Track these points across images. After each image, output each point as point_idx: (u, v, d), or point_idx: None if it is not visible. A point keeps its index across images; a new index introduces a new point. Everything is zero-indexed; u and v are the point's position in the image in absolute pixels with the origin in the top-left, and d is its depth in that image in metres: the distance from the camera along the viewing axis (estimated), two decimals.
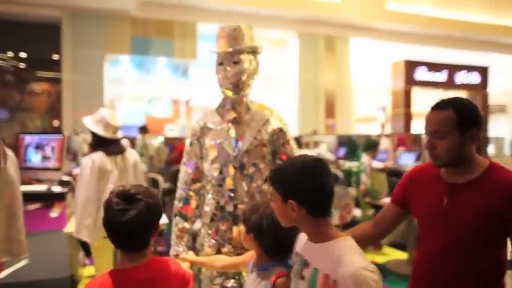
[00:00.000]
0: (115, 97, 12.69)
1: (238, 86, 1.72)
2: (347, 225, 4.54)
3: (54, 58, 9.52)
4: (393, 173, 4.54)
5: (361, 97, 13.01)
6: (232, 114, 1.78)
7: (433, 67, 10.65)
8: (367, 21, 10.80)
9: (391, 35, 11.34)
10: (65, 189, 3.06)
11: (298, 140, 7.13)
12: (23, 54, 9.91)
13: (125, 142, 6.69)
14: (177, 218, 1.83)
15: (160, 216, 1.19)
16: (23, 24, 9.02)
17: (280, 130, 1.79)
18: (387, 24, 10.94)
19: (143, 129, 7.08)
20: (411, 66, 10.39)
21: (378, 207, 4.29)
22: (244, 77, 1.72)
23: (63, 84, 9.25)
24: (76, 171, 3.77)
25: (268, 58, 11.34)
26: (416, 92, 10.73)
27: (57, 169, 2.96)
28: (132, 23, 9.32)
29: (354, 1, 10.37)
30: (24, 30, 9.07)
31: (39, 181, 3.20)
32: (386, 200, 3.71)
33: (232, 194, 1.72)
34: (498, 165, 1.32)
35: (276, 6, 9.80)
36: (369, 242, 1.56)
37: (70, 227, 2.79)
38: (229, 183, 1.72)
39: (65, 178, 3.26)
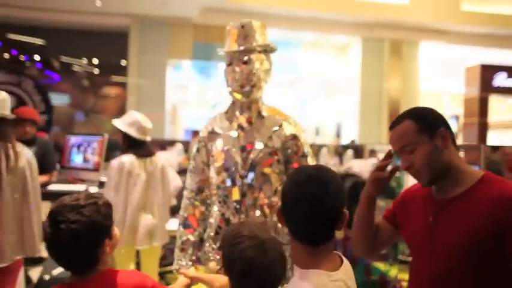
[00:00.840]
0: (179, 102, 13.14)
1: (247, 88, 1.58)
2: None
3: (122, 64, 10.05)
4: None
5: (430, 105, 12.16)
6: (241, 119, 1.64)
7: None
8: (439, 23, 10.07)
9: (466, 38, 10.47)
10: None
11: (357, 149, 6.76)
12: (95, 61, 10.60)
13: (180, 147, 6.83)
14: (181, 229, 1.71)
15: (106, 230, 1.07)
16: (95, 32, 9.65)
17: (294, 137, 1.62)
18: (462, 26, 10.11)
19: (196, 134, 7.17)
20: (488, 71, 9.46)
21: None
22: (254, 79, 1.58)
23: (128, 89, 9.74)
24: None
25: (330, 64, 11.16)
26: (494, 101, 9.76)
27: (96, 170, 3.02)
28: (194, 29, 9.56)
29: (425, 2, 9.73)
30: (96, 38, 9.70)
31: (82, 181, 3.29)
32: None
33: (238, 206, 1.57)
34: (494, 177, 1.09)
35: (338, 10, 9.50)
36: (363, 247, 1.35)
37: None
38: (235, 193, 1.57)
39: (104, 179, 3.33)
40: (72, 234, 0.99)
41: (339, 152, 7.65)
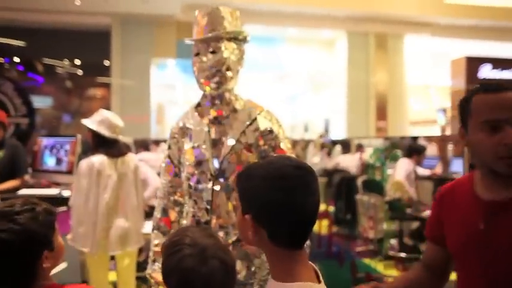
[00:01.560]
0: (166, 101, 13.00)
1: (217, 79, 1.45)
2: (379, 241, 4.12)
3: (106, 64, 9.88)
4: (442, 182, 4.01)
5: (417, 98, 12.20)
6: (212, 113, 1.51)
7: (500, 64, 9.62)
8: (423, 16, 10.07)
9: (451, 30, 10.49)
10: None
11: (346, 144, 6.68)
12: (77, 62, 10.41)
13: (165, 147, 6.74)
14: (155, 232, 1.58)
15: (45, 240, 0.97)
16: (76, 32, 9.46)
17: (270, 132, 1.48)
18: (446, 19, 10.13)
19: None
20: (474, 63, 9.38)
21: (422, 220, 3.82)
22: (223, 69, 1.44)
23: (112, 89, 9.58)
24: None
25: (316, 59, 11.09)
26: None
27: (69, 172, 2.91)
28: (177, 27, 9.43)
29: None
30: (78, 38, 9.51)
31: (57, 184, 3.17)
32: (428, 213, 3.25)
33: (208, 206, 1.46)
34: None
35: (322, 4, 9.45)
36: None
37: None
38: (206, 193, 1.46)
39: None
40: (0, 245, 0.89)
41: (327, 147, 7.60)
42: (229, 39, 1.47)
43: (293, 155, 1.51)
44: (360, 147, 6.05)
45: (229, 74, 1.47)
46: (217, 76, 1.45)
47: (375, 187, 4.47)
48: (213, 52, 1.44)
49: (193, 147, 1.50)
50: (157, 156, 5.98)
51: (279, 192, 0.79)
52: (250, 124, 1.48)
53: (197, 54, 1.47)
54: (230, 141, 1.45)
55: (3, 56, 10.35)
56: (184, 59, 10.58)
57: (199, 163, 1.47)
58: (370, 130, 10.54)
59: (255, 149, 1.47)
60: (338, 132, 10.95)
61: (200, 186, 1.47)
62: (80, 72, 10.96)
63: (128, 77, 9.40)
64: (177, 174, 1.57)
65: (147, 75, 9.62)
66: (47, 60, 10.41)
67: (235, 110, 1.50)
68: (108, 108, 10.18)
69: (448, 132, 12.18)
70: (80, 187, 2.37)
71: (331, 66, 11.25)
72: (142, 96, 9.55)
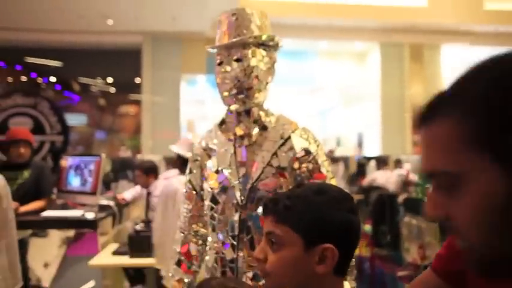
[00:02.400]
0: (196, 117, 13.03)
1: (243, 92, 1.21)
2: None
3: (137, 82, 10.01)
4: None
5: None
6: (238, 132, 1.27)
7: None
8: (461, 25, 9.63)
9: (491, 38, 9.96)
10: (102, 215, 2.87)
11: (383, 160, 6.33)
12: (109, 80, 10.62)
13: None
14: (175, 267, 1.38)
15: None
16: (109, 51, 9.65)
17: (307, 153, 1.23)
18: (486, 26, 9.64)
19: None
20: None
21: None
22: (250, 80, 1.21)
23: (143, 106, 9.66)
24: (125, 195, 3.62)
25: (348, 72, 10.81)
26: None
27: (93, 193, 2.79)
28: (206, 43, 9.38)
29: (444, 3, 9.32)
30: (110, 57, 9.70)
31: (82, 205, 3.07)
32: None
33: (234, 242, 1.22)
34: None
35: (354, 16, 9.21)
36: None
37: (102, 258, 2.56)
38: (231, 226, 1.23)
39: (105, 202, 3.10)
40: None
41: (362, 163, 7.27)
42: (258, 45, 1.24)
43: (334, 181, 1.28)
44: (398, 163, 5.70)
45: (257, 85, 1.24)
46: (244, 88, 1.22)
47: (418, 207, 4.12)
48: (238, 60, 1.21)
49: (217, 172, 1.28)
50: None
51: (352, 215, 0.75)
52: (283, 144, 1.24)
53: (220, 64, 1.25)
54: (260, 165, 1.23)
55: (41, 76, 10.73)
56: (214, 75, 10.59)
57: (223, 190, 1.25)
58: (406, 144, 10.08)
59: (289, 174, 1.22)
60: (372, 147, 10.55)
61: (225, 216, 1.25)
62: (112, 90, 11.19)
63: (158, 94, 9.46)
64: (199, 202, 1.36)
65: (177, 91, 9.65)
66: (82, 79, 10.69)
67: (265, 128, 1.27)
68: (139, 124, 10.30)
69: None
70: (179, 205, 2.26)
71: (364, 79, 10.92)
72: (173, 113, 9.57)
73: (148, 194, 3.55)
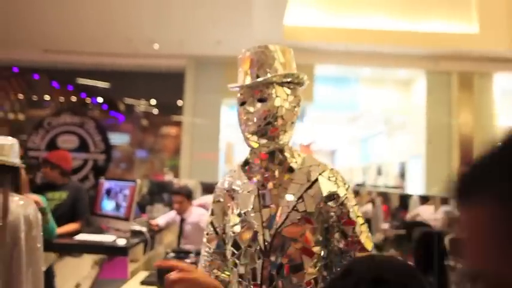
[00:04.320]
0: (235, 140, 13.11)
1: (267, 133, 1.16)
2: None
3: (179, 104, 10.22)
4: None
5: None
6: (262, 174, 1.21)
7: None
8: None
9: None
10: (134, 241, 2.83)
11: (425, 198, 5.96)
12: (153, 101, 10.91)
13: None
14: None
15: None
16: (153, 74, 9.96)
17: (335, 196, 1.15)
18: None
19: None
20: None
21: None
22: (274, 121, 1.15)
23: (183, 127, 9.81)
24: (159, 221, 3.58)
25: (392, 99, 10.52)
26: None
27: (126, 219, 2.76)
28: None
29: (497, 29, 8.91)
30: (154, 79, 9.99)
31: (117, 230, 3.05)
32: None
33: None
34: None
35: (399, 43, 8.99)
36: None
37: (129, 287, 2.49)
38: (254, 275, 1.13)
39: (137, 228, 3.06)
40: None
41: (404, 197, 6.91)
42: (282, 84, 1.18)
43: (365, 227, 1.16)
44: (445, 200, 5.35)
45: (282, 126, 1.17)
46: (268, 130, 1.15)
47: None
48: (261, 100, 1.16)
49: (239, 215, 1.20)
50: None
51: None
52: (310, 187, 1.15)
53: (243, 104, 1.19)
54: (284, 209, 1.14)
55: (90, 96, 11.22)
56: None
57: (246, 235, 1.17)
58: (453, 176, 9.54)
59: (315, 219, 1.13)
60: (415, 177, 10.07)
61: (247, 264, 1.15)
62: (155, 111, 11.49)
63: (199, 116, 9.59)
64: (221, 246, 1.27)
65: (217, 114, 9.73)
66: (127, 100, 11.08)
67: (291, 170, 1.19)
68: (179, 145, 10.46)
69: None
70: None
71: (409, 107, 10.56)
72: (213, 135, 9.64)
73: (182, 220, 3.49)
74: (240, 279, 1.16)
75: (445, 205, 5.11)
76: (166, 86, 10.02)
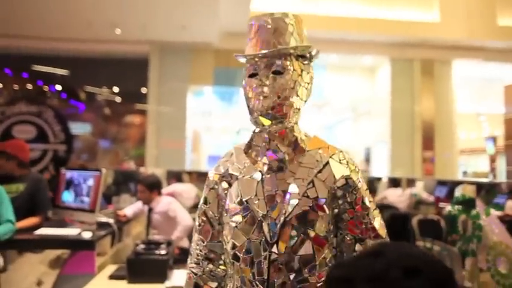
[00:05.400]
0: (202, 128, 12.92)
1: (282, 110, 1.03)
2: None
3: (143, 92, 9.90)
4: None
5: (466, 126, 11.43)
6: (270, 157, 1.07)
7: None
8: (474, 40, 9.46)
9: (505, 54, 9.78)
10: (100, 234, 2.69)
11: (394, 181, 6.09)
12: (115, 89, 10.52)
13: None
14: None
15: None
16: (115, 60, 9.57)
17: (347, 181, 1.05)
18: (499, 42, 9.47)
19: None
20: None
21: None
22: (292, 96, 1.04)
23: (148, 116, 9.54)
24: (126, 211, 3.44)
25: (357, 86, 10.69)
26: None
27: (91, 211, 2.61)
28: (215, 55, 9.34)
29: (457, 18, 9.18)
30: (117, 66, 9.61)
31: (81, 223, 2.88)
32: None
33: (262, 287, 1.01)
34: None
35: (365, 30, 9.08)
36: None
37: (97, 283, 2.36)
38: (259, 268, 1.01)
39: (104, 219, 2.91)
40: None
41: (371, 181, 7.05)
42: (298, 57, 1.06)
43: (377, 212, 1.08)
44: (411, 182, 5.49)
45: (297, 103, 1.06)
46: (283, 106, 1.03)
47: (434, 229, 3.90)
48: (277, 73, 1.02)
49: (240, 203, 1.06)
50: (191, 188, 5.68)
51: None
52: (320, 171, 1.04)
53: (253, 75, 1.05)
54: (294, 196, 1.02)
55: (48, 84, 10.66)
56: (221, 86, 10.49)
57: (249, 225, 1.04)
58: (416, 160, 9.86)
59: (327, 206, 1.02)
60: (380, 162, 10.33)
61: (251, 257, 1.02)
62: (118, 99, 11.09)
63: (164, 104, 9.35)
64: (215, 238, 1.15)
65: (183, 102, 9.52)
66: (88, 88, 10.62)
67: (301, 152, 1.07)
68: (144, 135, 10.17)
69: (497, 161, 11.30)
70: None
71: (373, 93, 10.76)
72: (179, 123, 9.43)
73: (150, 210, 3.37)
74: (243, 275, 1.03)
75: (411, 187, 5.25)
76: (130, 73, 9.65)
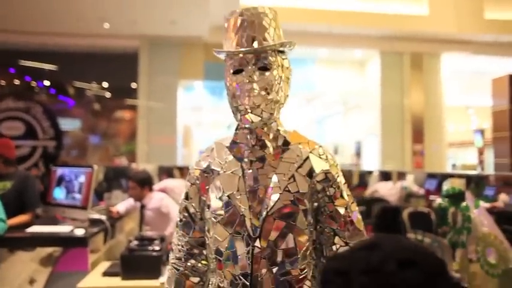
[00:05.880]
0: (193, 123, 12.88)
1: (270, 106, 1.04)
2: None
3: (133, 87, 9.82)
4: (505, 217, 3.38)
5: (455, 119, 11.56)
6: (254, 152, 1.07)
7: None
8: (462, 34, 9.55)
9: (492, 48, 9.90)
10: (94, 230, 2.67)
11: (385, 175, 6.13)
12: (105, 84, 10.41)
13: None
14: None
15: None
16: (105, 55, 9.46)
17: (326, 175, 1.07)
18: (486, 36, 9.57)
19: None
20: None
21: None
22: (278, 92, 1.05)
23: (139, 111, 9.48)
24: (118, 207, 3.42)
25: (347, 79, 10.74)
26: None
27: (83, 207, 2.60)
28: (204, 49, 9.29)
29: (445, 12, 9.25)
30: (106, 61, 9.51)
31: (73, 220, 2.86)
32: None
33: (247, 282, 1.02)
34: None
35: (354, 24, 9.10)
36: None
37: (91, 280, 2.35)
38: (242, 263, 1.03)
39: (96, 216, 2.90)
40: None
41: (363, 174, 7.11)
42: (278, 53, 1.07)
43: (355, 206, 1.11)
44: (401, 175, 5.55)
45: (282, 99, 1.07)
46: (271, 102, 1.04)
47: (424, 221, 3.94)
48: (264, 69, 1.03)
49: (221, 198, 1.07)
50: (182, 184, 5.67)
51: None
52: (301, 166, 1.06)
53: (238, 72, 1.05)
54: (275, 190, 1.04)
55: (35, 79, 10.50)
56: (212, 81, 10.44)
57: (231, 220, 1.05)
58: (406, 153, 9.95)
59: (308, 200, 1.04)
60: (370, 155, 10.41)
61: (233, 252, 1.04)
62: (108, 94, 10.99)
63: (155, 99, 9.29)
64: (197, 233, 1.16)
65: (174, 97, 9.47)
66: (77, 84, 10.49)
67: (282, 147, 1.08)
68: (134, 130, 10.11)
69: (485, 154, 11.47)
70: None
71: (363, 87, 10.81)
72: (169, 118, 9.39)
73: (142, 206, 3.36)
74: (227, 269, 1.05)
75: (402, 180, 5.31)
76: (119, 67, 9.55)
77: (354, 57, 10.91)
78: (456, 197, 2.91)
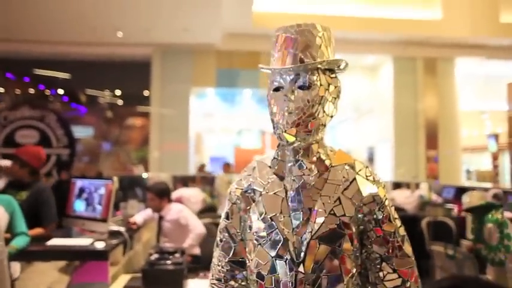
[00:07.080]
0: (204, 130, 12.90)
1: (307, 126, 1.00)
2: None
3: (145, 94, 9.87)
4: None
5: (469, 124, 11.40)
6: (295, 172, 1.04)
7: None
8: (477, 38, 9.43)
9: (507, 52, 9.75)
10: (114, 242, 2.65)
11: (397, 185, 6.05)
12: (118, 92, 10.49)
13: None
14: None
15: None
16: (117, 63, 9.54)
17: (374, 198, 1.02)
18: (502, 40, 9.44)
19: (228, 166, 6.69)
20: None
21: None
22: (318, 112, 1.01)
23: (151, 118, 9.51)
24: (136, 218, 3.40)
25: (359, 85, 10.64)
26: None
27: (103, 220, 2.58)
28: (217, 56, 9.31)
29: (460, 16, 9.14)
30: (119, 69, 9.58)
31: (92, 232, 2.85)
32: None
33: None
34: None
35: (367, 29, 9.05)
36: None
37: None
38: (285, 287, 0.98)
39: (115, 228, 2.88)
40: None
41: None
42: (325, 71, 1.03)
43: (402, 230, 1.04)
44: (418, 184, 5.46)
45: (323, 119, 1.03)
46: (308, 122, 1.00)
47: (441, 230, 3.87)
48: (303, 88, 1.00)
49: (264, 220, 1.03)
50: (197, 192, 5.66)
51: None
52: (347, 188, 1.01)
53: (278, 89, 1.02)
54: (320, 214, 1.00)
55: (49, 88, 10.63)
56: (223, 88, 10.46)
57: (274, 243, 1.01)
58: (420, 159, 9.82)
59: (354, 224, 1.00)
60: (384, 162, 10.30)
61: (275, 277, 1.00)
62: (120, 102, 11.07)
63: (167, 106, 9.32)
64: (238, 255, 1.12)
65: (186, 104, 9.49)
66: (90, 91, 10.59)
67: (326, 168, 1.04)
68: (146, 137, 10.15)
69: (500, 159, 11.29)
70: None
71: (376, 92, 10.73)
72: (182, 125, 9.41)
73: (161, 218, 3.34)
74: (270, 286, 1.00)
75: (418, 189, 5.22)
76: (132, 75, 9.62)
77: (366, 62, 10.84)
78: (481, 210, 2.83)
